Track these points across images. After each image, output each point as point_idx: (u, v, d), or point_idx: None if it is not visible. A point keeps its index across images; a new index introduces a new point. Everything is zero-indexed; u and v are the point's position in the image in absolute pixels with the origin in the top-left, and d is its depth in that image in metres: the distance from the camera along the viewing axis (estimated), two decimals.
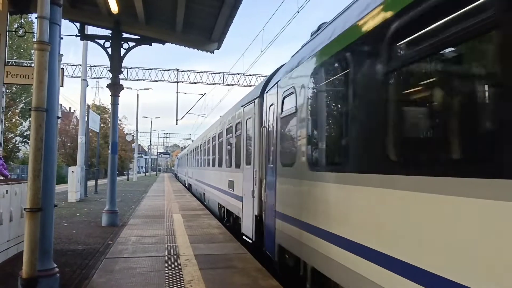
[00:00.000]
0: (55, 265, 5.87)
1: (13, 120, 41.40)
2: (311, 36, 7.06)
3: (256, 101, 9.79)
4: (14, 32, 12.57)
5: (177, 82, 39.87)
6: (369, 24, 4.35)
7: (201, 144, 24.31)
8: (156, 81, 40.48)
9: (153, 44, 13.28)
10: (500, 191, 2.63)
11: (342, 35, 5.05)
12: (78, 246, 9.49)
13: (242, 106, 11.47)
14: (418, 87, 3.86)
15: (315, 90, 6.10)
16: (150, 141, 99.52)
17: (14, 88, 40.04)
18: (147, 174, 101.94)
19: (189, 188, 34.59)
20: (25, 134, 43.66)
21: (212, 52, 13.50)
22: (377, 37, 4.12)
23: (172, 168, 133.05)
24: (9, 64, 24.92)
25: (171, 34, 12.86)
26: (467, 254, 2.91)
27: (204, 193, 21.66)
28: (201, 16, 11.49)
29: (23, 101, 40.66)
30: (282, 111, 7.61)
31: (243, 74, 39.51)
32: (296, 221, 6.45)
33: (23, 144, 45.27)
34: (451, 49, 3.34)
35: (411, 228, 3.49)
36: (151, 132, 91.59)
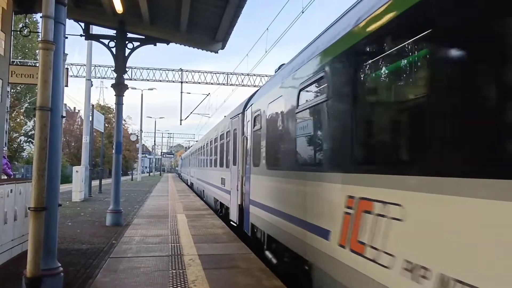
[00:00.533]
0: (59, 265, 5.87)
1: (18, 119, 41.55)
2: (274, 72, 10.09)
3: (240, 116, 12.43)
4: (19, 32, 12.62)
5: (181, 82, 39.87)
6: (289, 81, 7.47)
7: (201, 147, 27.79)
8: (160, 81, 40.48)
9: (157, 44, 13.29)
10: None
11: (280, 82, 8.17)
12: (82, 246, 9.51)
13: (230, 119, 14.37)
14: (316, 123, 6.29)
15: (270, 115, 8.88)
16: (154, 141, 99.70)
17: (19, 88, 40.21)
18: (151, 174, 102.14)
19: (191, 186, 37.12)
20: (29, 134, 43.79)
21: (216, 52, 13.50)
22: (297, 87, 6.86)
23: (176, 168, 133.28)
24: (14, 63, 25.03)
25: (176, 34, 12.87)
26: (324, 210, 5.59)
27: (203, 190, 24.36)
28: (206, 16, 11.49)
29: (28, 100, 40.80)
30: (253, 126, 10.46)
31: (247, 74, 39.52)
32: (261, 205, 9.29)
33: (27, 143, 45.42)
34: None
35: (310, 202, 6.16)
36: (155, 132, 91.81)
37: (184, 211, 16.44)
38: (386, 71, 4.27)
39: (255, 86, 39.24)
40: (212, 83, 41.17)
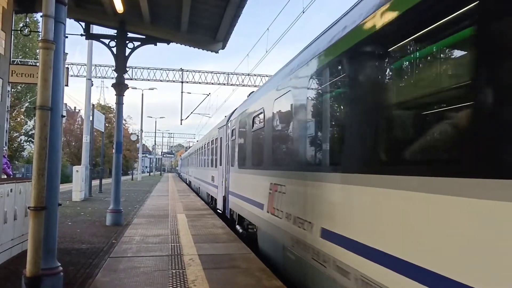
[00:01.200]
0: (59, 264, 5.86)
1: (18, 119, 41.54)
2: (247, 96, 13.65)
3: (224, 126, 15.79)
4: (19, 31, 12.62)
5: (182, 82, 39.86)
6: (247, 109, 11.15)
7: (196, 149, 32.65)
8: (161, 81, 40.49)
9: (158, 43, 13.29)
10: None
11: (246, 109, 11.55)
12: (82, 245, 9.50)
13: (218, 128, 18.00)
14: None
15: (240, 130, 12.28)
16: (155, 140, 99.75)
17: (19, 87, 40.19)
18: (151, 174, 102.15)
19: (189, 184, 40.54)
20: (30, 133, 43.78)
21: (217, 52, 13.49)
22: (251, 114, 10.51)
23: (176, 168, 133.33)
24: (15, 63, 25.02)
25: (176, 34, 12.86)
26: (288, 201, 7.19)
27: (199, 187, 28.14)
28: (206, 16, 11.49)
29: (28, 100, 40.78)
30: (232, 136, 13.85)
31: (248, 74, 39.51)
32: (234, 194, 12.76)
33: (28, 143, 45.40)
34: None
35: (256, 188, 9.42)
36: (155, 132, 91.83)
37: (184, 211, 16.44)
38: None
39: (255, 86, 39.24)
40: (212, 83, 41.18)
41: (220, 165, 16.19)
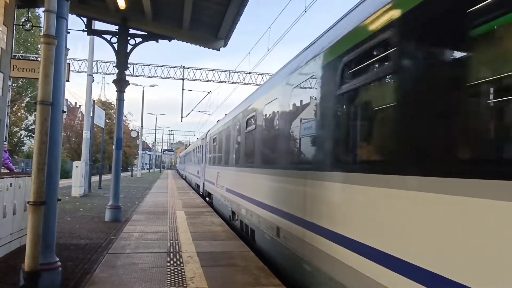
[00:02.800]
0: (58, 259, 5.87)
1: (19, 114, 41.54)
2: (216, 122, 23.07)
3: (205, 137, 24.32)
4: (21, 26, 12.61)
5: (183, 79, 39.84)
6: (214, 129, 20.85)
7: (189, 151, 44.40)
8: (161, 77, 40.44)
9: (159, 40, 13.29)
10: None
11: (212, 130, 21.69)
12: (81, 241, 9.51)
13: (202, 139, 27.16)
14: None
15: (210, 142, 20.92)
16: (155, 137, 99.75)
17: (20, 82, 40.18)
18: (151, 170, 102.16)
19: (185, 178, 49.29)
20: (30, 128, 43.79)
21: (218, 49, 13.49)
22: (217, 131, 19.14)
23: (176, 165, 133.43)
24: (16, 58, 24.96)
25: (178, 31, 12.86)
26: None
27: (191, 180, 37.39)
28: (208, 13, 11.49)
29: (29, 95, 40.77)
30: (206, 145, 22.72)
31: (249, 73, 39.47)
32: (207, 180, 21.73)
33: (28, 138, 45.41)
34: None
35: (212, 175, 19.18)
36: (156, 129, 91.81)
37: (184, 208, 16.45)
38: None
39: (256, 84, 39.20)
40: (213, 81, 41.12)
41: (202, 163, 25.11)
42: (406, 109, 3.77)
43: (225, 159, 14.88)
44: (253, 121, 10.21)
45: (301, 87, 6.76)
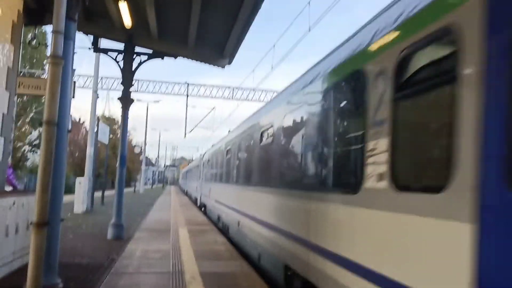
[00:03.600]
0: (60, 280, 5.83)
1: (23, 129, 41.63)
2: (211, 146, 28.52)
3: (202, 158, 29.63)
4: (28, 44, 12.72)
5: (187, 96, 40.02)
6: (207, 155, 26.67)
7: (190, 169, 49.96)
8: (166, 94, 40.67)
9: (164, 58, 13.36)
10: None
11: (206, 153, 28.16)
12: (83, 260, 9.43)
13: (200, 159, 31.30)
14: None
15: (205, 163, 26.33)
16: (158, 153, 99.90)
17: (25, 98, 40.35)
18: (153, 186, 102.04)
19: (186, 193, 54.67)
20: (34, 143, 43.82)
21: (223, 67, 13.55)
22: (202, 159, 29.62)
23: (178, 180, 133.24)
24: (21, 73, 25.08)
25: (183, 49, 12.93)
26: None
27: (191, 194, 41.57)
28: (214, 32, 11.56)
29: (34, 110, 40.91)
30: (203, 165, 27.73)
31: (253, 89, 39.59)
32: (203, 194, 25.92)
33: (31, 153, 45.42)
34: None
35: (207, 189, 23.31)
36: (159, 145, 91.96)
37: (186, 226, 16.36)
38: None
39: (260, 101, 39.30)
40: (217, 97, 41.31)
41: (199, 180, 29.63)
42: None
43: (214, 177, 19.78)
44: (226, 152, 16.07)
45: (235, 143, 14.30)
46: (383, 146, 4.20)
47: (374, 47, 4.63)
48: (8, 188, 11.89)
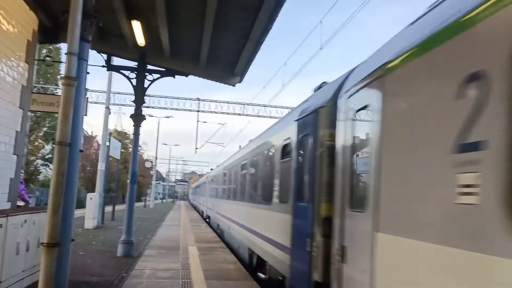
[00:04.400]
0: None
1: (36, 143, 42.05)
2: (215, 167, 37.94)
3: (208, 177, 36.10)
4: (42, 61, 12.88)
5: (198, 111, 40.24)
6: (210, 176, 36.00)
7: (197, 186, 58.46)
8: (177, 109, 40.89)
9: (176, 76, 13.46)
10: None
11: (209, 175, 37.43)
12: (93, 278, 9.42)
13: (206, 177, 39.63)
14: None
15: (212, 180, 29.99)
16: (169, 168, 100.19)
17: (38, 113, 40.82)
18: (163, 201, 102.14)
19: (195, 207, 59.77)
20: (46, 157, 44.21)
21: (233, 85, 13.61)
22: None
23: (188, 195, 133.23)
24: (35, 89, 25.37)
25: (195, 67, 13.03)
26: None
27: (199, 207, 47.61)
28: (225, 51, 11.64)
29: (47, 125, 41.34)
30: (210, 182, 31.53)
31: (264, 106, 39.69)
32: (208, 207, 31.16)
33: (44, 167, 45.80)
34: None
35: (212, 204, 27.29)
36: (170, 159, 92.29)
37: (196, 243, 16.30)
38: None
39: (271, 117, 39.35)
40: (228, 113, 41.42)
41: (205, 195, 34.64)
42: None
43: (215, 193, 25.33)
44: (217, 177, 24.83)
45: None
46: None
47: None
48: (20, 203, 11.99)
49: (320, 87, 7.88)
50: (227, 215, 17.73)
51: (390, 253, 3.86)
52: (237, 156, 16.82)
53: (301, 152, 7.10)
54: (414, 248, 3.43)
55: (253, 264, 11.18)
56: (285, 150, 8.22)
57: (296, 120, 7.46)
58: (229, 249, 15.05)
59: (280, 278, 8.11)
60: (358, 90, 5.02)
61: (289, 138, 7.92)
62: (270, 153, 9.94)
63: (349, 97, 5.33)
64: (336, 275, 5.24)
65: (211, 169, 40.94)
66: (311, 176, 6.38)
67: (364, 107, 4.78)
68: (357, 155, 5.08)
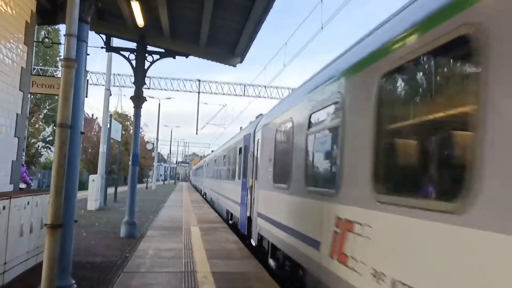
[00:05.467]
0: (73, 281, 5.88)
1: (36, 125, 42.08)
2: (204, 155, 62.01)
3: (204, 161, 45.61)
4: (41, 43, 12.79)
5: (199, 93, 40.07)
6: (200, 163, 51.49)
7: (196, 168, 66.91)
8: (178, 91, 40.72)
9: (176, 57, 13.36)
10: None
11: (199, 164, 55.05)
12: (96, 259, 9.51)
13: (203, 161, 48.35)
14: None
15: (206, 165, 39.55)
16: (170, 149, 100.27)
17: (38, 95, 40.74)
18: (165, 182, 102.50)
19: (195, 187, 65.60)
20: (47, 140, 44.29)
21: (234, 65, 13.51)
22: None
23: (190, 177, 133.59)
24: (35, 71, 25.25)
25: (195, 48, 12.92)
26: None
27: (197, 185, 58.16)
28: (226, 31, 11.53)
29: (47, 107, 41.30)
30: (204, 166, 43.90)
31: (265, 87, 39.52)
32: (205, 186, 39.35)
33: (45, 149, 45.93)
34: None
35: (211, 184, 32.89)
36: (171, 141, 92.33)
37: (198, 224, 16.41)
38: None
39: (272, 98, 39.26)
40: (229, 94, 41.27)
41: (202, 176, 41.60)
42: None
43: (207, 175, 35.38)
44: (207, 165, 36.96)
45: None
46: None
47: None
48: (22, 185, 12.04)
49: (257, 116, 14.56)
50: (214, 188, 27.20)
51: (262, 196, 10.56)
52: (215, 153, 30.79)
53: (244, 152, 14.19)
54: (267, 193, 9.94)
55: (228, 218, 18.35)
56: (240, 150, 15.33)
57: (244, 136, 14.72)
58: (217, 213, 22.02)
59: (236, 221, 15.50)
60: (257, 130, 11.99)
61: (240, 144, 15.43)
62: (232, 152, 18.53)
63: (255, 132, 12.40)
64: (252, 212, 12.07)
65: (212, 151, 46.11)
66: (246, 165, 13.54)
67: (260, 138, 11.38)
68: (257, 157, 11.71)
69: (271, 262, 9.26)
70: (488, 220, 2.70)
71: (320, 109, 6.17)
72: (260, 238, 10.78)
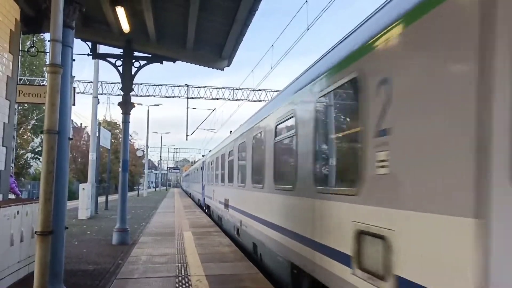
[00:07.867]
0: None
1: (25, 136, 41.69)
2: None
3: (201, 165, 34.32)
4: (27, 52, 12.71)
5: (187, 98, 40.01)
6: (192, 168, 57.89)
7: (187, 174, 74.20)
8: (166, 97, 40.67)
9: (163, 62, 13.34)
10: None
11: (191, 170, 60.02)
12: (89, 266, 9.43)
13: (194, 168, 50.89)
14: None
15: (195, 171, 43.84)
16: (160, 156, 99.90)
17: (26, 105, 40.40)
18: (157, 189, 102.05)
19: (187, 193, 65.01)
20: (36, 151, 43.91)
21: (222, 69, 13.52)
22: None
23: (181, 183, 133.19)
24: (21, 81, 25.06)
25: (182, 52, 12.90)
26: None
27: (186, 188, 66.67)
28: (212, 33, 11.52)
29: (35, 117, 40.96)
30: (194, 172, 47.80)
31: (253, 90, 39.57)
32: (197, 192, 38.05)
33: (34, 160, 45.50)
34: None
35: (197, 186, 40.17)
36: (161, 148, 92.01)
37: (191, 228, 16.36)
38: None
39: (260, 101, 39.29)
40: (218, 99, 41.27)
41: (200, 182, 35.94)
42: None
43: (193, 179, 42.15)
44: (193, 172, 46.85)
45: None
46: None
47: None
48: (11, 196, 11.93)
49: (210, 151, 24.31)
50: (190, 186, 45.45)
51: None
52: (193, 167, 48.91)
53: (202, 168, 30.51)
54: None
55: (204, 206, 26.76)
56: (202, 168, 30.42)
57: (202, 161, 31.10)
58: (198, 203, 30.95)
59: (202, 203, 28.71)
60: (204, 160, 28.50)
61: (200, 165, 32.98)
62: (199, 168, 35.28)
63: (204, 161, 28.62)
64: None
65: (203, 155, 44.81)
66: (204, 175, 29.10)
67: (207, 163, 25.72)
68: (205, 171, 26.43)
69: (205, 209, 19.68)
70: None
71: (215, 152, 14.07)
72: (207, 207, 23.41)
